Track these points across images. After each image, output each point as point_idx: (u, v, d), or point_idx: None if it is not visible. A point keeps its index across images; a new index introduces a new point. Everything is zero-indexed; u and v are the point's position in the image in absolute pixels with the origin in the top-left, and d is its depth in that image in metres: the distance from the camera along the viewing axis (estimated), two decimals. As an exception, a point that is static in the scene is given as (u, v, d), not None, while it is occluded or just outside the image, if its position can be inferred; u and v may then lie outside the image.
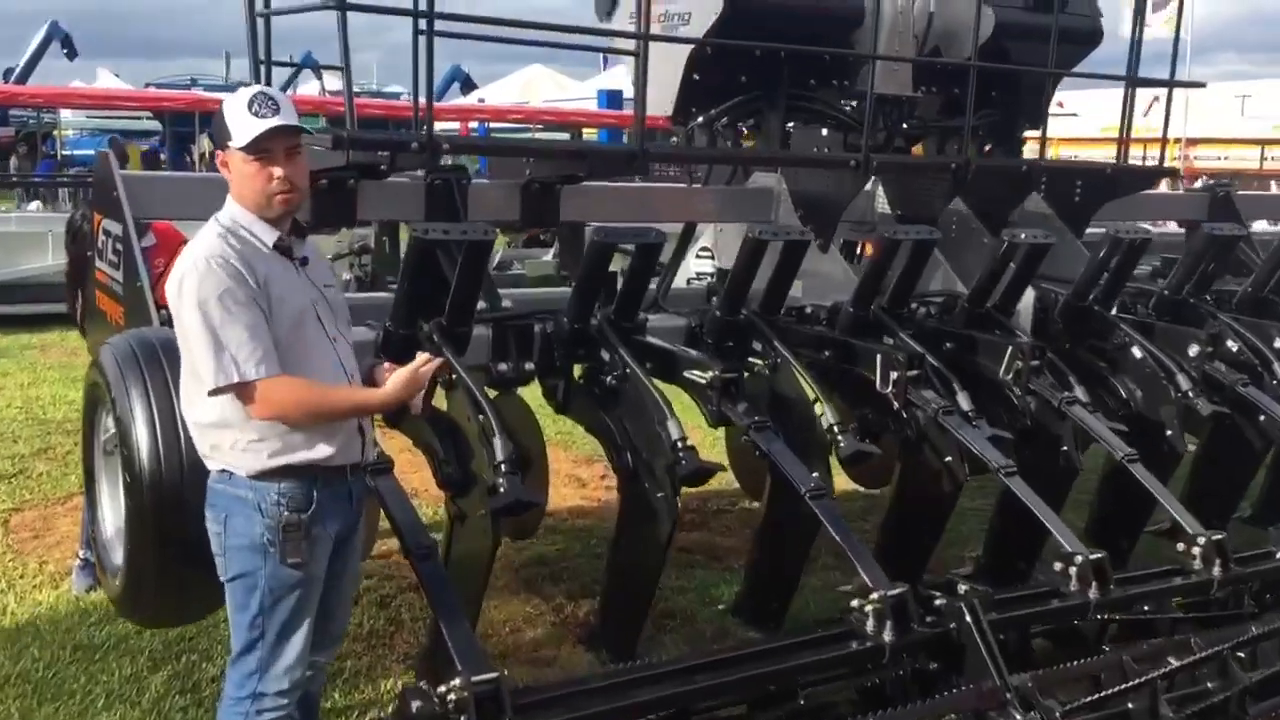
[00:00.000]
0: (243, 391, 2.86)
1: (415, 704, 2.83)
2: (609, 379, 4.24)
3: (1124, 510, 5.26)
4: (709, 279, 5.87)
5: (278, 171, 2.93)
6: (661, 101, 5.37)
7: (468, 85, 33.52)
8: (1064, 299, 5.45)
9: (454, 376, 3.81)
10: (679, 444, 3.93)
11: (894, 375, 4.50)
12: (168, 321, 3.90)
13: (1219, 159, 27.60)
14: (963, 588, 3.71)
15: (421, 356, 3.13)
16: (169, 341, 3.17)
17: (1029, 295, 5.36)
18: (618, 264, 4.50)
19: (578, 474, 6.83)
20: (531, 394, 4.38)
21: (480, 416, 3.71)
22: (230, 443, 2.95)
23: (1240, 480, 5.72)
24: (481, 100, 28.80)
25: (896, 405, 4.55)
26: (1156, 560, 5.34)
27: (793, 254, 4.49)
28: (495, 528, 3.65)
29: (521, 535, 5.28)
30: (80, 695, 3.92)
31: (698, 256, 6.07)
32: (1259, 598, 4.46)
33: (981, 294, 5.10)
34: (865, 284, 4.83)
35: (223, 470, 2.98)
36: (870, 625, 3.52)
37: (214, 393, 2.85)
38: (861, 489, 6.00)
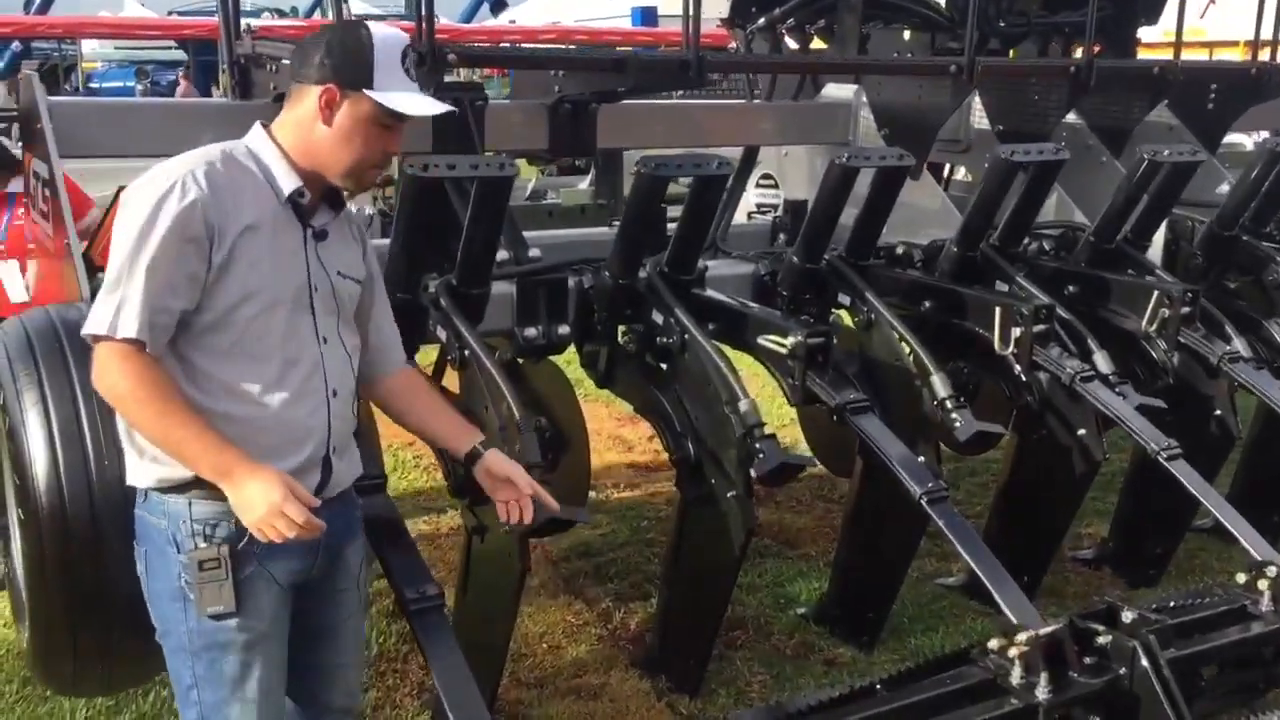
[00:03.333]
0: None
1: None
2: (661, 344, 3.40)
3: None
4: (773, 213, 4.96)
5: (392, 147, 2.32)
6: (715, 2, 4.45)
7: (498, 5, 32.25)
8: (1205, 228, 4.54)
9: (465, 353, 2.98)
10: (755, 431, 3.09)
11: (1016, 332, 3.62)
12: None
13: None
14: (1129, 615, 2.86)
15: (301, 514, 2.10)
16: (77, 325, 2.34)
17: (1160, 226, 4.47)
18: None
19: (622, 434, 6.00)
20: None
21: (502, 406, 2.89)
22: (136, 442, 2.18)
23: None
24: (513, 21, 27.67)
25: (1019, 369, 3.68)
26: None
27: (889, 183, 3.60)
28: (523, 548, 2.84)
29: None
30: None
31: (758, 186, 5.15)
32: None
33: (1112, 226, 4.18)
34: (974, 218, 3.92)
35: (136, 488, 2.22)
36: (1017, 676, 2.69)
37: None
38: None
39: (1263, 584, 3.09)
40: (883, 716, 2.66)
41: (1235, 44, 5.15)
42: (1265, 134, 5.02)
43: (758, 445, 3.08)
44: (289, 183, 2.22)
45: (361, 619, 2.50)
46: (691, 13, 3.67)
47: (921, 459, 3.28)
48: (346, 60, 2.20)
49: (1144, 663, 2.73)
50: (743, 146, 4.76)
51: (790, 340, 3.25)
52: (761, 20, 4.68)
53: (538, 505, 2.68)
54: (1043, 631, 2.71)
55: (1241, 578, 3.15)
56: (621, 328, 3.54)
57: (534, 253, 3.66)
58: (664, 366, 3.41)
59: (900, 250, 4.21)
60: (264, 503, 2.05)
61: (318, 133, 2.22)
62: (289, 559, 2.21)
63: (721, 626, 3.54)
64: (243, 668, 2.18)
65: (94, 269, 3.16)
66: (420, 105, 2.27)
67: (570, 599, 4.10)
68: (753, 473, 3.10)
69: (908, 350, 3.62)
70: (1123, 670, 2.76)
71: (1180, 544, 4.29)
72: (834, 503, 4.95)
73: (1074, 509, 3.95)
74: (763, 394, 3.64)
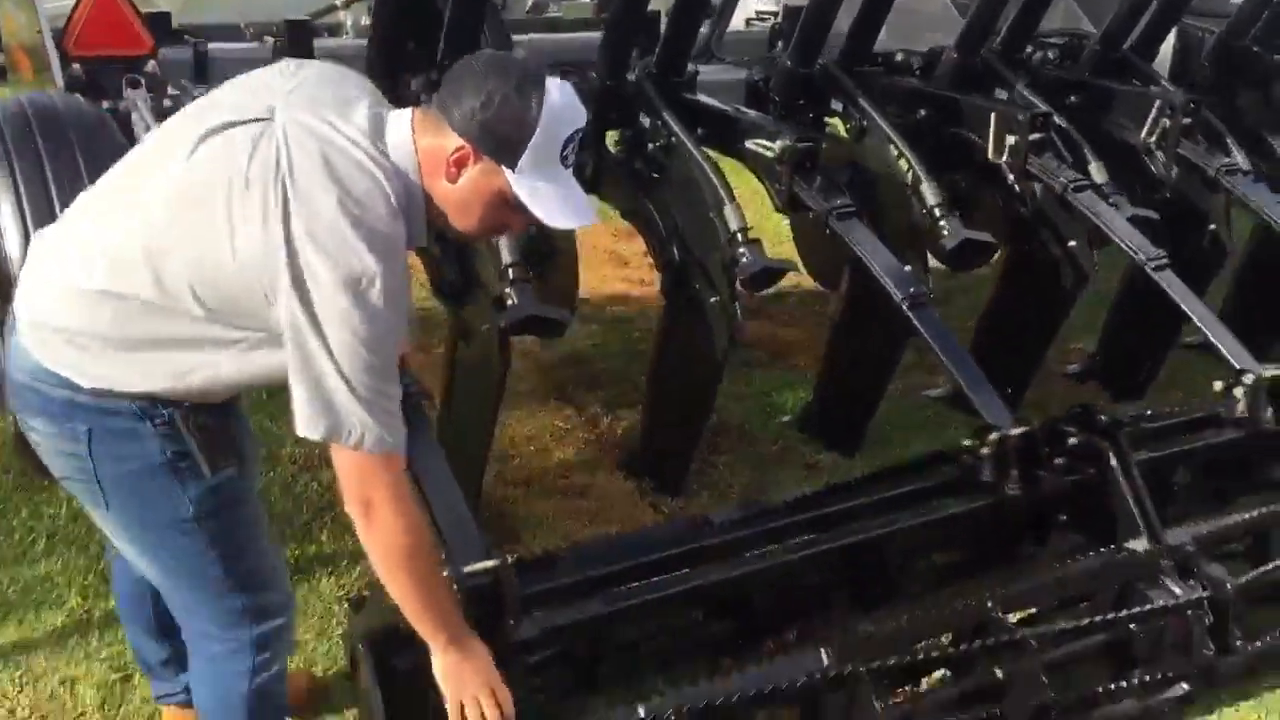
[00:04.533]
0: (348, 458, 1.86)
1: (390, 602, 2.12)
2: (650, 150, 3.35)
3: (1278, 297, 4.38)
4: (773, 20, 4.82)
5: (516, 227, 2.00)
6: None
7: None
8: (1215, 38, 4.41)
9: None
10: (739, 235, 3.08)
11: (1011, 140, 3.56)
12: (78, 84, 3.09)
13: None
14: (1102, 419, 2.89)
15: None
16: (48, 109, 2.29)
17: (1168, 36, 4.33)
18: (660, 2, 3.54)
19: (618, 249, 5.97)
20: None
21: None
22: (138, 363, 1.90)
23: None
24: None
25: (1012, 178, 3.64)
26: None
27: (887, -17, 3.47)
28: (503, 349, 2.86)
29: (548, 335, 4.53)
30: (20, 532, 3.28)
31: (758, -8, 5.00)
32: None
33: (1118, 34, 4.07)
34: (975, 23, 3.81)
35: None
36: (989, 473, 2.74)
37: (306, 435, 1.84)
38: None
39: (1238, 392, 3.12)
40: (858, 510, 2.73)
41: None
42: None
43: (741, 250, 3.07)
44: (417, 240, 1.93)
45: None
46: None
47: (908, 267, 3.28)
48: (498, 129, 1.81)
49: (1114, 463, 2.78)
50: (741, -53, 4.58)
51: (778, 145, 3.20)
52: None
53: (520, 301, 2.70)
54: (1015, 431, 2.75)
55: (1218, 385, 3.18)
56: (609, 132, 3.50)
57: (519, 53, 3.56)
58: (652, 171, 3.37)
59: (899, 57, 4.11)
60: (478, 683, 1.98)
61: (442, 183, 1.88)
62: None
63: (705, 429, 3.60)
64: (252, 508, 2.13)
65: (68, 59, 3.11)
66: (563, 214, 1.88)
67: (559, 405, 4.16)
68: (736, 277, 3.10)
69: (899, 158, 3.57)
70: (1093, 471, 2.81)
71: (1166, 358, 4.31)
72: (825, 317, 4.94)
73: (1060, 322, 3.95)
74: (758, 210, 3.56)
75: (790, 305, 5.30)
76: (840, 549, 2.64)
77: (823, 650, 2.35)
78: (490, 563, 2.17)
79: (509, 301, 2.74)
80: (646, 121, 3.32)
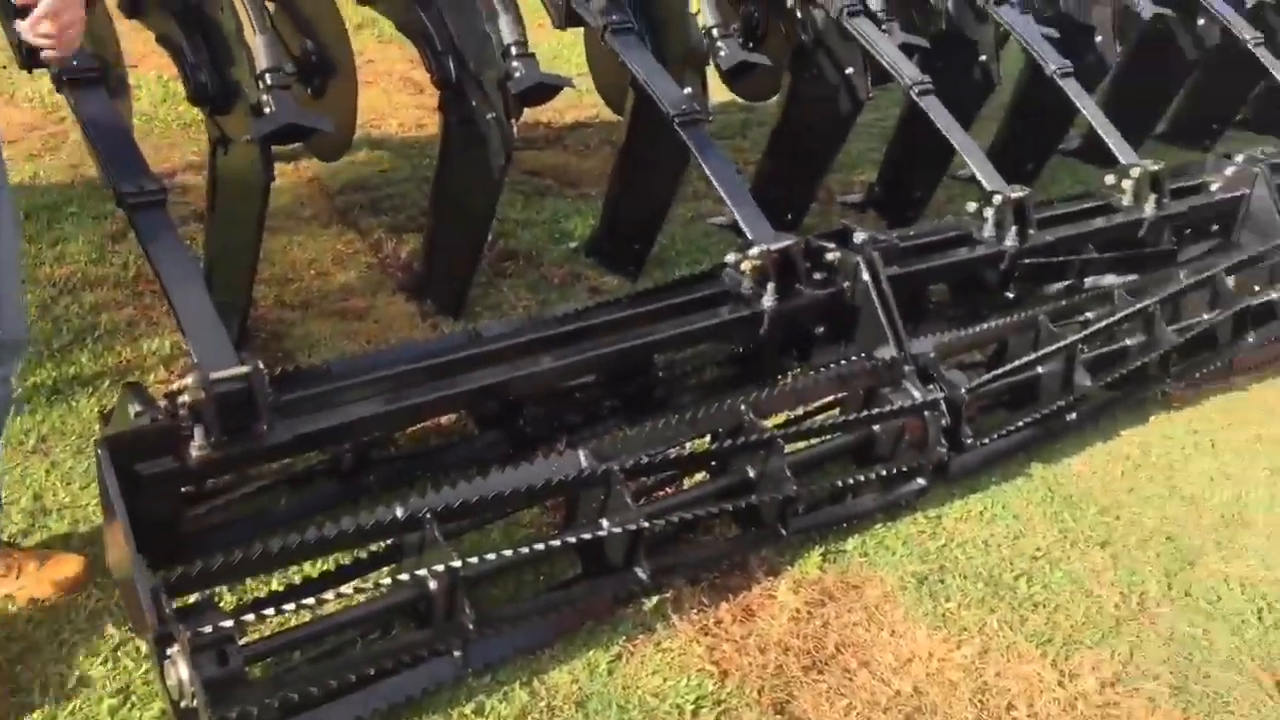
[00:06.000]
0: None
1: (135, 409, 2.09)
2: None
3: (1041, 127, 4.60)
4: None
5: None
6: None
7: None
8: None
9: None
10: (514, 49, 3.03)
11: (789, -38, 3.59)
12: None
13: None
14: (860, 236, 3.03)
15: None
16: None
17: None
18: None
19: (413, 76, 5.80)
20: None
21: (238, 5, 2.73)
22: None
23: (1166, 94, 5.09)
24: None
25: (791, 2, 3.67)
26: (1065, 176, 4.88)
27: None
28: (265, 159, 2.77)
29: (328, 156, 4.41)
30: None
31: None
32: (1179, 232, 3.92)
33: None
34: None
35: None
36: (748, 286, 2.85)
37: None
38: (742, 101, 5.18)
39: (987, 212, 3.30)
40: (624, 321, 2.80)
41: None
42: None
43: (515, 64, 3.03)
44: None
45: (14, 239, 2.22)
46: None
47: (689, 90, 3.30)
48: None
49: (865, 277, 2.92)
50: None
51: (554, -45, 3.14)
52: None
53: (278, 109, 2.61)
54: (774, 247, 2.85)
55: (971, 206, 3.36)
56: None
57: None
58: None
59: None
60: None
61: None
62: None
63: (485, 248, 3.61)
64: None
65: None
66: None
67: (343, 229, 4.08)
68: (511, 92, 3.06)
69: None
70: (847, 284, 2.95)
71: (938, 186, 4.50)
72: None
73: (838, 145, 4.06)
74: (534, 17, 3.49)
75: (587, 134, 5.29)
76: (603, 357, 2.70)
77: (580, 452, 2.44)
78: (241, 369, 2.15)
79: (266, 110, 2.65)
80: (419, -72, 3.20)
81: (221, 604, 2.17)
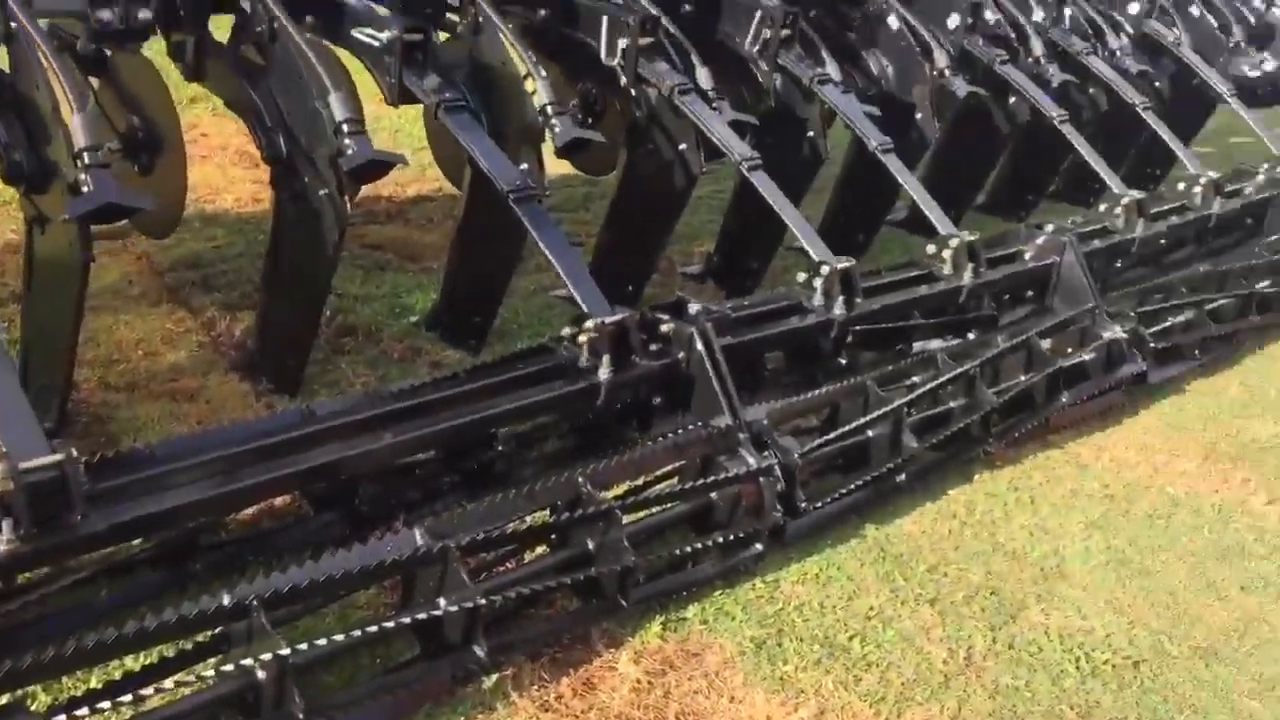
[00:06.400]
0: None
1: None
2: (255, 35, 3.22)
3: (867, 201, 4.80)
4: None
5: None
6: None
7: None
8: (818, -44, 4.71)
9: (11, 25, 2.70)
10: (346, 126, 3.02)
11: (623, 43, 3.69)
12: None
13: None
14: (694, 308, 3.10)
15: None
16: None
17: (778, -49, 4.60)
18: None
19: (250, 150, 5.66)
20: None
21: (54, 83, 2.66)
22: None
23: (984, 168, 5.36)
24: None
25: (625, 80, 3.76)
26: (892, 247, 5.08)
27: (497, -123, 3.46)
28: (83, 238, 2.69)
29: (156, 234, 4.30)
30: None
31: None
32: (999, 298, 4.13)
33: (729, -54, 4.26)
34: (590, -76, 3.88)
35: None
36: (585, 359, 2.88)
37: None
38: (583, 174, 5.26)
39: (816, 282, 3.42)
40: (461, 396, 2.79)
41: None
42: None
43: (348, 141, 3.02)
44: None
45: None
46: None
47: (524, 165, 3.35)
48: None
49: (699, 347, 2.99)
50: None
51: (386, 34, 3.16)
52: None
53: (97, 188, 2.55)
54: (609, 320, 2.89)
55: (801, 277, 3.47)
56: (214, 15, 3.33)
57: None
58: (257, 58, 3.24)
59: (521, -43, 4.14)
60: None
61: None
62: None
63: (320, 325, 3.56)
64: None
65: None
66: None
67: (173, 307, 3.97)
68: (344, 169, 3.05)
69: (517, 58, 3.60)
70: (682, 355, 3.01)
71: (774, 256, 4.63)
72: (462, 219, 4.98)
73: (674, 219, 4.15)
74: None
75: (430, 208, 5.29)
76: (440, 433, 2.69)
77: (417, 530, 2.41)
78: (52, 457, 2.07)
79: (84, 189, 2.58)
80: (248, 5, 3.18)
81: (35, 706, 2.07)
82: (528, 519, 2.64)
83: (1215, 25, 5.82)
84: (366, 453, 2.60)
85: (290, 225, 3.28)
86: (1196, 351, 4.16)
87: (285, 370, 3.46)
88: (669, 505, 2.82)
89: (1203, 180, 4.68)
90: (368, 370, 3.67)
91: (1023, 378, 3.58)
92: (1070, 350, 3.81)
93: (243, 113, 3.33)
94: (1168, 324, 4.10)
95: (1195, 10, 5.83)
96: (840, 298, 3.41)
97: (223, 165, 5.51)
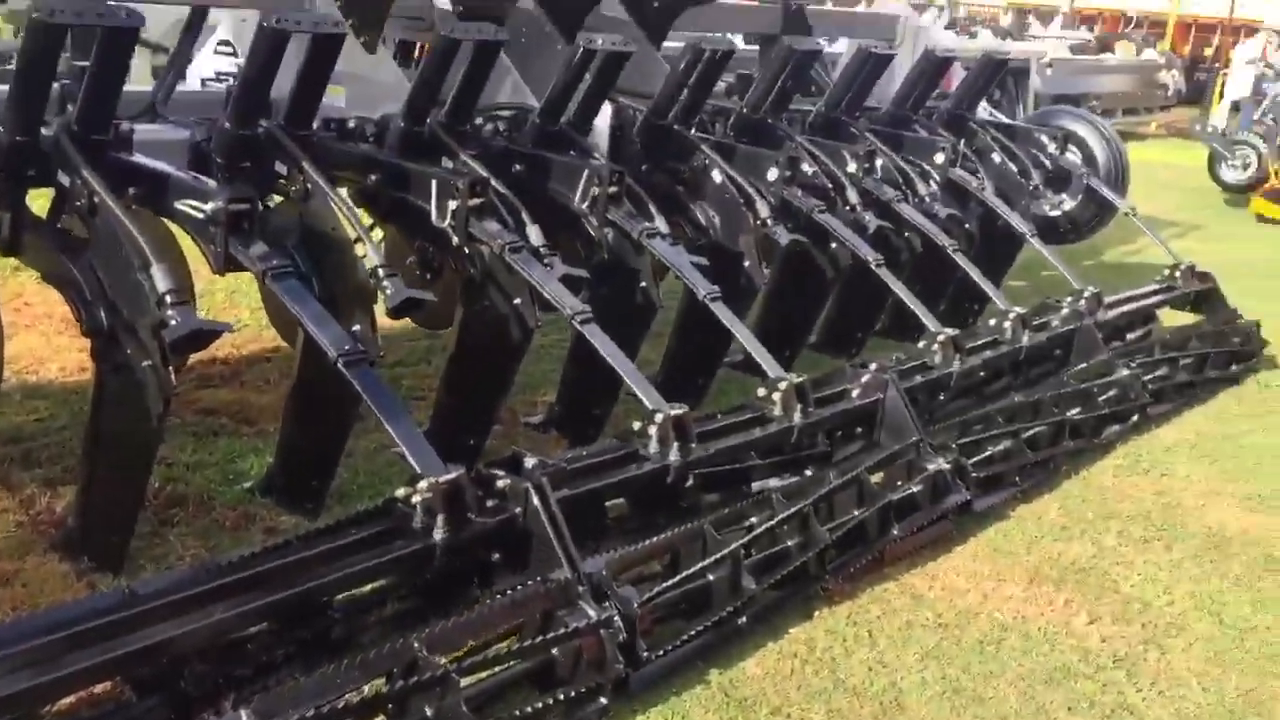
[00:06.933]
0: None
1: None
2: (75, 210, 3.20)
3: (702, 347, 4.94)
4: (231, 81, 4.76)
5: None
6: None
7: None
8: (643, 116, 4.95)
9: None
10: (169, 297, 3.00)
11: (452, 205, 3.78)
12: None
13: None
14: (530, 462, 3.13)
15: None
16: None
17: (606, 112, 4.81)
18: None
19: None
20: None
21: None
22: None
23: (812, 310, 5.59)
24: None
25: (456, 240, 3.84)
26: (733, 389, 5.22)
27: (322, 52, 3.55)
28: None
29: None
30: None
31: (216, 52, 4.93)
32: (831, 435, 4.28)
33: (555, 108, 4.45)
34: (418, 93, 4.01)
35: None
36: (419, 520, 2.87)
37: None
38: (424, 330, 5.30)
39: (651, 429, 3.49)
40: (293, 565, 2.74)
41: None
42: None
43: (171, 312, 3.00)
44: None
45: None
46: None
47: (357, 327, 3.37)
48: None
49: (535, 502, 3.01)
50: (190, 6, 4.50)
51: (210, 205, 3.17)
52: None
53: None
54: (442, 479, 2.89)
55: (636, 425, 3.54)
56: (32, 190, 3.30)
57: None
58: (75, 233, 3.22)
59: (352, 124, 4.24)
60: None
61: None
62: None
63: (144, 498, 3.45)
64: None
65: None
66: None
67: (-9, 486, 3.81)
68: (166, 339, 3.01)
69: (347, 222, 3.65)
70: (518, 510, 3.02)
71: (615, 405, 4.71)
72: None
73: (512, 372, 4.19)
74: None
75: (267, 369, 5.23)
76: (271, 604, 2.63)
77: (243, 711, 2.33)
78: None
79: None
80: (66, 179, 3.17)
81: None
82: (363, 689, 2.58)
83: (1015, 170, 6.27)
84: (193, 631, 2.53)
85: (112, 398, 3.21)
86: (1017, 478, 4.37)
87: (108, 547, 3.33)
88: (509, 664, 2.80)
89: (1011, 316, 4.99)
90: (198, 541, 3.57)
91: (855, 512, 3.69)
92: (899, 483, 3.96)
93: (62, 286, 3.29)
94: (988, 453, 4.30)
95: (996, 157, 6.27)
96: (675, 444, 3.48)
97: (47, 334, 5.36)
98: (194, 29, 4.50)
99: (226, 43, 4.93)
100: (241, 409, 4.67)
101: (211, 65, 4.89)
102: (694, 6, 5.52)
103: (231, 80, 4.73)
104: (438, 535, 2.85)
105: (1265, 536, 4.19)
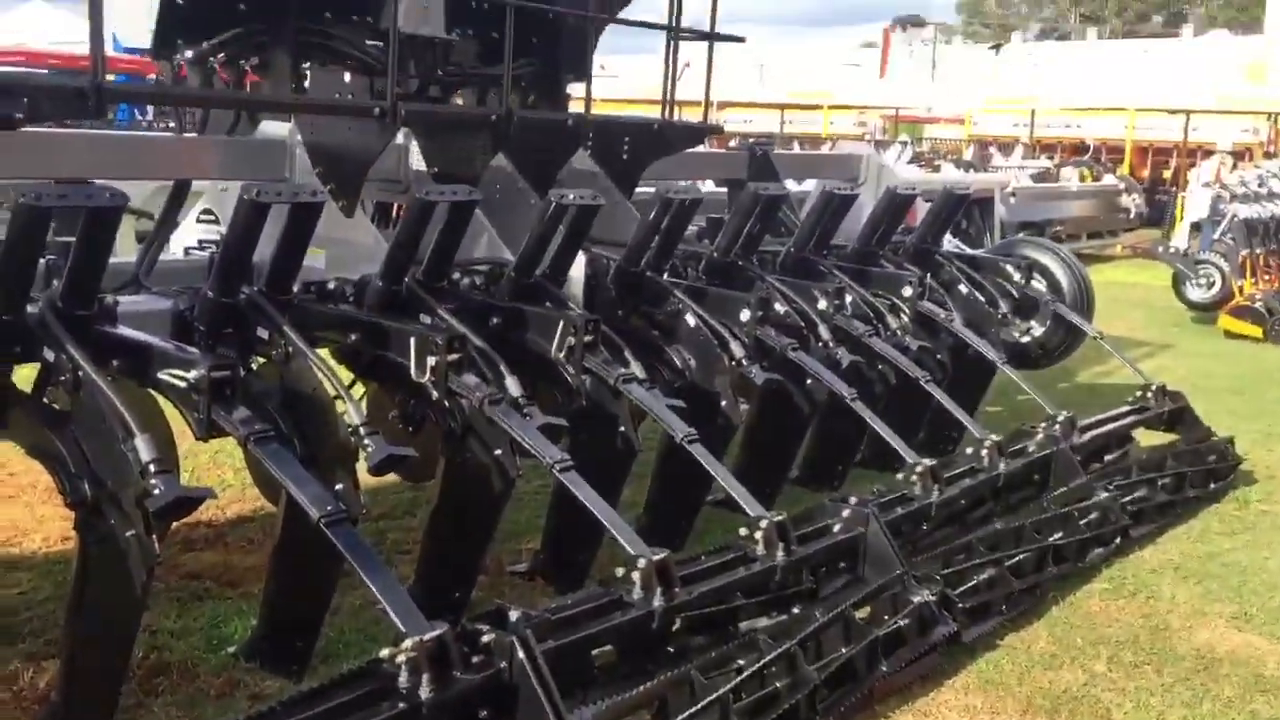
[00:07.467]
0: None
1: None
2: (59, 384, 3.25)
3: (683, 488, 4.97)
4: (213, 250, 4.89)
5: None
6: (136, 31, 4.35)
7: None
8: (616, 265, 5.08)
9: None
10: (152, 467, 3.04)
11: (431, 361, 3.85)
12: None
13: (745, 122, 30.10)
14: (514, 614, 3.14)
15: None
16: None
17: (580, 262, 4.94)
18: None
19: (62, 486, 5.59)
20: None
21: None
22: None
23: (791, 446, 5.65)
24: (-34, 40, 24.73)
25: (436, 395, 3.91)
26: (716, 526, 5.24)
27: (302, 220, 3.68)
28: None
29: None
30: None
31: (199, 221, 5.06)
32: (816, 570, 4.29)
33: (529, 262, 4.57)
34: (395, 253, 4.13)
35: None
36: (405, 679, 2.86)
37: None
38: (408, 483, 5.33)
39: (634, 575, 3.50)
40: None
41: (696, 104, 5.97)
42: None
43: (154, 481, 3.03)
44: None
45: None
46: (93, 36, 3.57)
47: (340, 486, 3.40)
48: None
49: (521, 655, 3.00)
50: (174, 180, 4.64)
51: (193, 374, 3.24)
52: (190, 53, 4.61)
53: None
54: (426, 637, 2.90)
55: (620, 571, 3.56)
56: (16, 366, 3.36)
57: None
58: (60, 407, 3.27)
59: (331, 285, 4.34)
60: None
61: None
62: None
63: (129, 668, 3.42)
64: None
65: None
66: None
67: (-29, 664, 3.77)
68: (150, 508, 3.04)
69: (327, 382, 3.72)
70: (504, 664, 3.02)
71: (598, 549, 4.71)
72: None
73: (495, 521, 4.21)
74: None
75: (251, 529, 5.23)
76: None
77: None
78: None
79: None
80: (50, 355, 3.23)
81: None
82: None
83: (983, 300, 6.42)
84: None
85: (95, 569, 3.22)
86: (1003, 606, 4.38)
87: (91, 721, 3.29)
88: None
89: (986, 444, 5.06)
90: (182, 712, 3.53)
91: (843, 650, 3.69)
92: (885, 617, 3.96)
93: (46, 459, 3.32)
94: (973, 582, 4.32)
95: (963, 289, 6.43)
96: (658, 589, 3.49)
97: (31, 504, 5.36)
98: (178, 200, 4.63)
99: (209, 212, 5.07)
100: (226, 572, 4.66)
101: (194, 234, 5.02)
102: (665, 156, 5.74)
103: (214, 248, 4.87)
104: (424, 694, 2.84)
105: (1254, 656, 4.19)
